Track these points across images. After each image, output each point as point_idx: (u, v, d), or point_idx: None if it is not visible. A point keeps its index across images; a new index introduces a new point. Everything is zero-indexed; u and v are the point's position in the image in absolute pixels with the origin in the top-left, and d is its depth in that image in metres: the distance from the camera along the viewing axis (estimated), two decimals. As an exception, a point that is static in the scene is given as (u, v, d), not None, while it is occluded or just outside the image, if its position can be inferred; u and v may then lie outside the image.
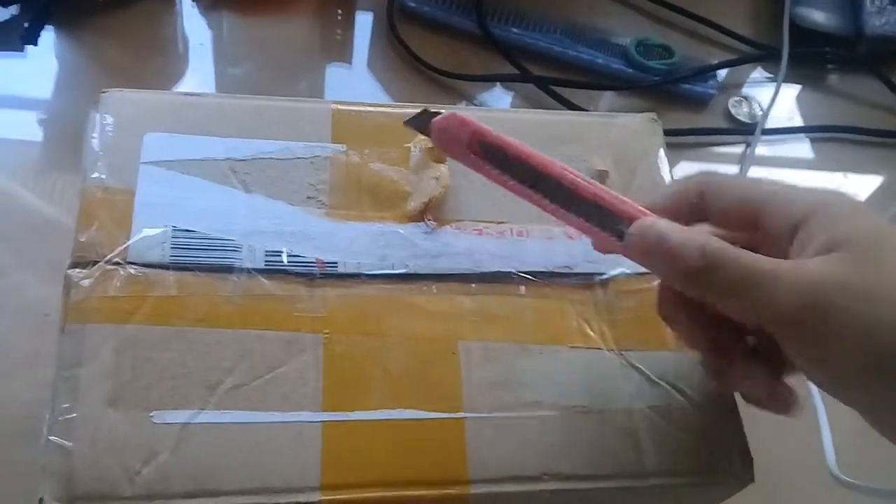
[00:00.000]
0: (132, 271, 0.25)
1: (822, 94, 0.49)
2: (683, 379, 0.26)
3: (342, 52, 0.45)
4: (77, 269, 0.25)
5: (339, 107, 0.30)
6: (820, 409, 0.32)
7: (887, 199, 0.46)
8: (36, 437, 0.23)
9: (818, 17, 0.49)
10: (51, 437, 0.22)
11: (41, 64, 0.41)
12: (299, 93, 0.43)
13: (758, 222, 0.22)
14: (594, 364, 0.26)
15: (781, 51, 0.47)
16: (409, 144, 0.29)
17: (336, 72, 0.44)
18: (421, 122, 0.24)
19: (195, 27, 0.44)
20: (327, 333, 0.25)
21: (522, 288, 0.27)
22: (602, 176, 0.30)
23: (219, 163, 0.28)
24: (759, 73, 0.49)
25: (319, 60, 0.44)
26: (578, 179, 0.23)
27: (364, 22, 0.46)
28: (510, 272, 0.27)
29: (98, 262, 0.25)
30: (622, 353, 0.26)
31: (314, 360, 0.25)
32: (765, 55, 0.49)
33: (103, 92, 0.28)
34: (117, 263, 0.25)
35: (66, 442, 0.22)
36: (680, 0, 0.49)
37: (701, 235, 0.21)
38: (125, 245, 0.25)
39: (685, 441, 0.25)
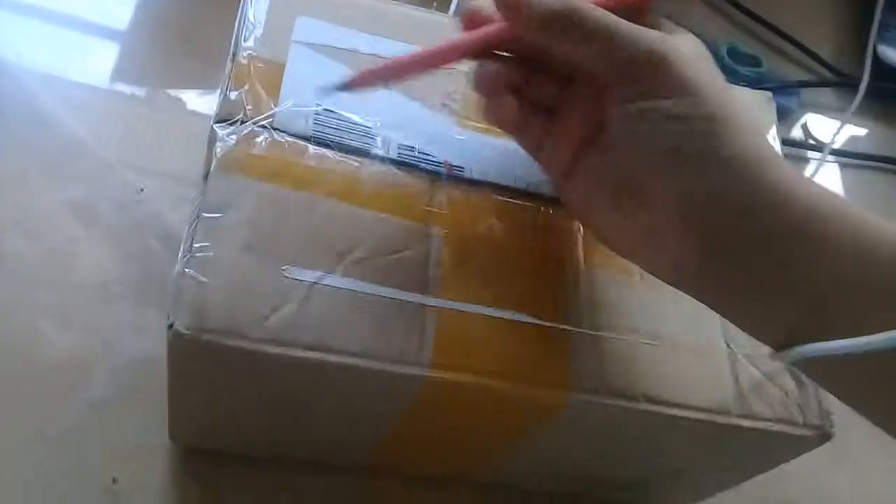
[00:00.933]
0: (277, 136, 0.26)
1: (893, 130, 0.51)
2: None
3: (440, 3, 0.45)
4: (223, 125, 0.26)
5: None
6: None
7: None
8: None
9: (898, 56, 0.51)
10: (187, 270, 0.23)
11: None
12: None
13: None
14: (694, 304, 0.27)
15: (860, 81, 0.49)
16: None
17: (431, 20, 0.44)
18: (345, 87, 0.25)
19: None
20: (448, 229, 0.26)
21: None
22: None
23: (363, 56, 0.29)
24: (836, 98, 0.51)
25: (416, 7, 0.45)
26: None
27: None
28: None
29: (245, 121, 0.26)
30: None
31: (435, 251, 0.26)
32: (844, 82, 0.51)
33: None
34: (263, 126, 0.26)
35: (201, 276, 0.23)
36: (772, 16, 0.51)
37: None
38: (272, 111, 0.26)
39: (773, 391, 0.26)
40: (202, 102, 0.38)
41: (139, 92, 0.38)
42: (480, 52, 0.25)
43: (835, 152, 0.48)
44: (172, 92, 0.39)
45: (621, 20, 0.22)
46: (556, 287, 0.26)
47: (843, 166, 0.49)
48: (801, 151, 0.48)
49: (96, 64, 0.39)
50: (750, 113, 0.24)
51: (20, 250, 0.32)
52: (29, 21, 0.39)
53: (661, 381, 0.25)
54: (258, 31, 0.28)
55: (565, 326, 0.26)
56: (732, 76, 0.47)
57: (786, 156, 0.47)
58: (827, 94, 0.51)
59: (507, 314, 0.25)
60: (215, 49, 0.30)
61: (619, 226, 0.24)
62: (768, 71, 0.48)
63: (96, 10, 0.40)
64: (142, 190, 0.35)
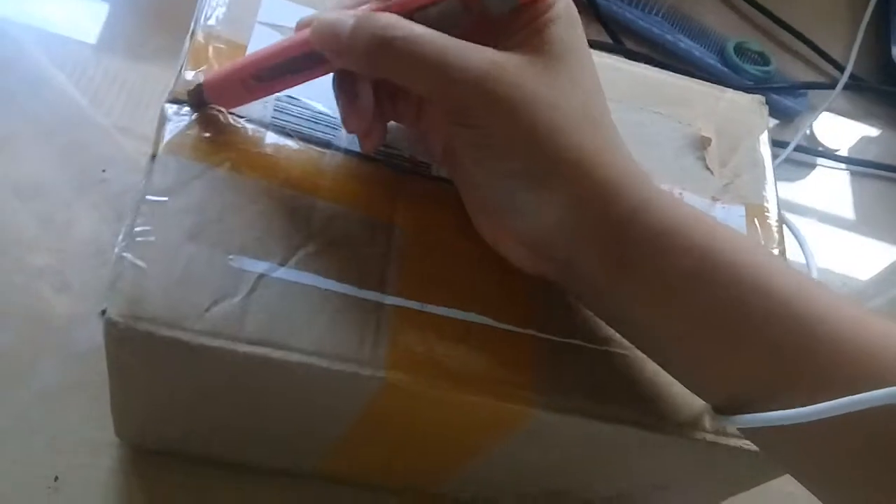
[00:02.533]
0: (233, 121, 0.25)
1: None
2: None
3: None
4: (175, 105, 0.25)
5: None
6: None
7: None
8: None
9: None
10: (125, 254, 0.22)
11: None
12: None
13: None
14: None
15: (874, 84, 0.48)
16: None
17: None
18: (197, 96, 0.24)
19: None
20: (410, 226, 0.25)
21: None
22: (705, 143, 0.30)
23: (332, 39, 0.28)
24: (848, 100, 0.49)
25: None
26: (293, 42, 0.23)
27: None
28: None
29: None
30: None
31: (396, 248, 0.24)
32: (856, 85, 0.49)
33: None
34: (220, 110, 0.25)
35: (139, 261, 0.22)
36: (784, 14, 0.50)
37: (374, 18, 0.21)
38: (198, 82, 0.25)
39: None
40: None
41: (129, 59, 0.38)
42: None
43: (844, 159, 0.47)
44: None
45: (451, 42, 0.21)
46: (523, 290, 0.25)
47: (851, 173, 0.47)
48: (808, 157, 0.46)
49: (90, 27, 0.38)
50: (608, 131, 0.22)
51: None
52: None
53: (633, 395, 0.24)
54: (222, 10, 0.27)
55: (531, 332, 0.24)
56: (739, 74, 0.46)
57: (792, 161, 0.47)
58: (838, 97, 0.49)
59: (469, 316, 0.24)
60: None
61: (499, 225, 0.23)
62: (776, 70, 0.47)
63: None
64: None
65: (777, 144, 0.45)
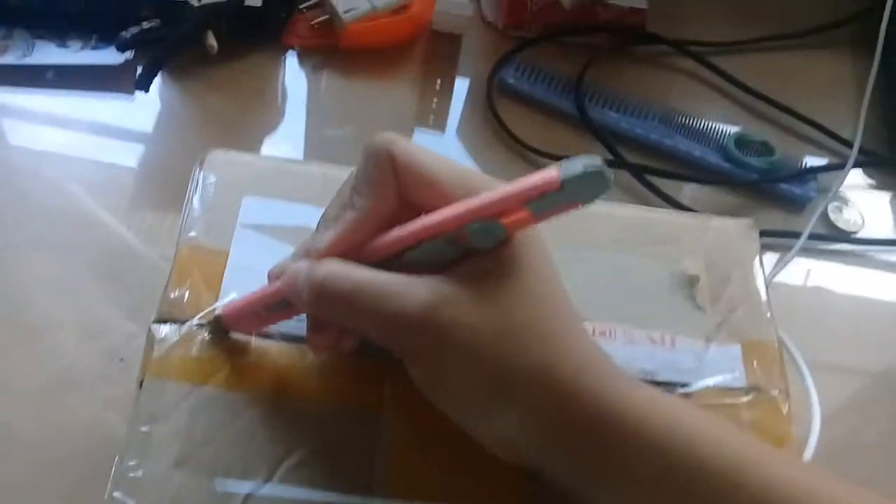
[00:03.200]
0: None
1: None
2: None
3: (436, 120, 0.46)
4: (163, 325, 0.26)
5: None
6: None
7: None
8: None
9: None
10: (115, 494, 0.22)
11: (146, 107, 0.44)
12: None
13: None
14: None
15: (887, 158, 0.45)
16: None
17: (428, 139, 0.46)
18: (216, 327, 0.26)
19: (297, 85, 0.47)
20: (396, 419, 0.25)
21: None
22: (692, 281, 0.29)
23: (311, 232, 0.29)
24: (861, 178, 0.47)
25: (413, 126, 0.46)
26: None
27: (461, 92, 0.47)
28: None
29: (185, 321, 0.26)
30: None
31: (383, 443, 0.24)
32: (868, 161, 0.47)
33: (208, 152, 0.30)
34: (202, 325, 0.26)
35: (129, 500, 0.22)
36: (782, 97, 0.49)
37: (314, 270, 0.22)
38: (212, 307, 0.26)
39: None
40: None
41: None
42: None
43: (864, 240, 0.44)
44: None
45: (393, 285, 0.21)
46: (514, 474, 0.24)
47: (873, 254, 0.44)
48: (824, 244, 0.44)
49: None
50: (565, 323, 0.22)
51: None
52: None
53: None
54: (205, 218, 0.29)
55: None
56: (743, 168, 0.45)
57: (808, 251, 0.44)
58: (850, 176, 0.46)
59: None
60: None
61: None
62: (781, 158, 0.46)
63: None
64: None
65: (789, 235, 0.43)
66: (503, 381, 0.21)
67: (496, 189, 0.21)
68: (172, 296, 0.27)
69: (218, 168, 0.30)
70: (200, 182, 0.29)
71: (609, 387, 0.21)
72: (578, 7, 0.47)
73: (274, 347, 0.26)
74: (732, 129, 0.46)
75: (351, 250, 0.23)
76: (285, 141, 0.44)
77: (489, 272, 0.21)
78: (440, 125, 0.46)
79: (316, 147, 0.44)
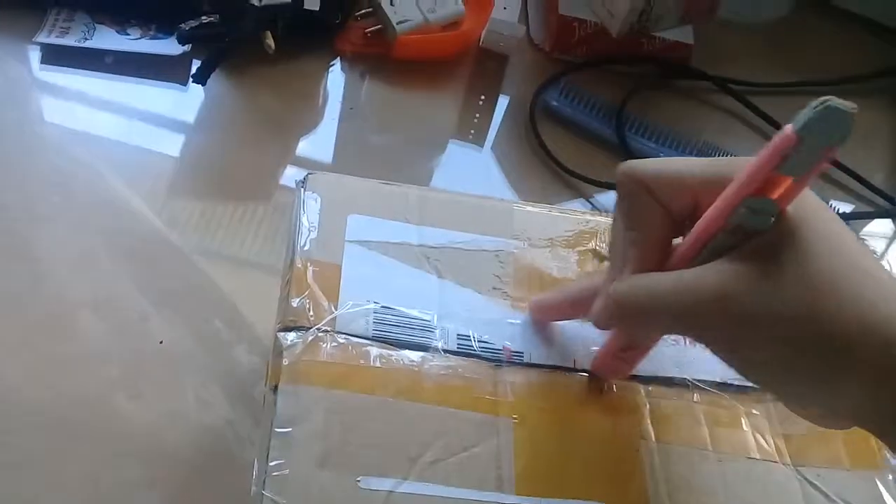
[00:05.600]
0: (340, 340, 0.28)
1: None
2: (858, 497, 0.28)
3: (476, 136, 0.49)
4: (288, 333, 0.28)
5: (520, 206, 0.34)
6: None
7: None
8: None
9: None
10: (265, 492, 0.24)
11: (197, 99, 0.46)
12: (432, 167, 0.48)
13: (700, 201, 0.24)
14: (772, 477, 0.28)
15: None
16: (582, 248, 0.33)
17: (467, 153, 0.48)
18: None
19: (343, 90, 0.49)
20: (516, 418, 0.28)
21: (696, 395, 0.30)
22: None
23: (413, 248, 0.31)
24: (890, 227, 0.50)
25: (450, 139, 0.49)
26: None
27: (502, 111, 0.50)
28: (685, 378, 0.30)
29: (309, 328, 0.28)
30: (798, 468, 0.28)
31: (506, 444, 0.27)
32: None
33: (310, 173, 0.33)
34: (326, 331, 0.28)
35: (279, 498, 0.24)
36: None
37: (623, 281, 0.24)
38: (334, 315, 0.29)
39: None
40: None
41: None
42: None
43: None
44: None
45: (681, 277, 0.23)
46: (631, 469, 0.27)
47: None
48: None
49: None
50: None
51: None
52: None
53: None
54: (313, 234, 0.31)
55: (648, 511, 0.26)
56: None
57: None
58: (882, 225, 0.50)
59: (586, 504, 0.26)
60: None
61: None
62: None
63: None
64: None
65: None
66: (827, 347, 0.21)
67: (744, 169, 0.22)
68: (294, 304, 0.29)
69: (320, 188, 0.32)
70: (305, 201, 0.32)
71: None
72: (625, 37, 0.50)
73: (393, 354, 0.28)
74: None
75: None
76: (332, 143, 0.47)
77: (773, 244, 0.22)
78: (479, 140, 0.49)
79: (353, 153, 0.47)
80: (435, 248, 0.32)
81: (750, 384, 0.29)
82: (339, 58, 0.50)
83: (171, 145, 0.45)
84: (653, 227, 0.24)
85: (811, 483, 0.28)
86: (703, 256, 0.23)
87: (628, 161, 0.25)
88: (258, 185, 0.44)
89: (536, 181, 0.47)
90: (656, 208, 0.24)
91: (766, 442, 0.29)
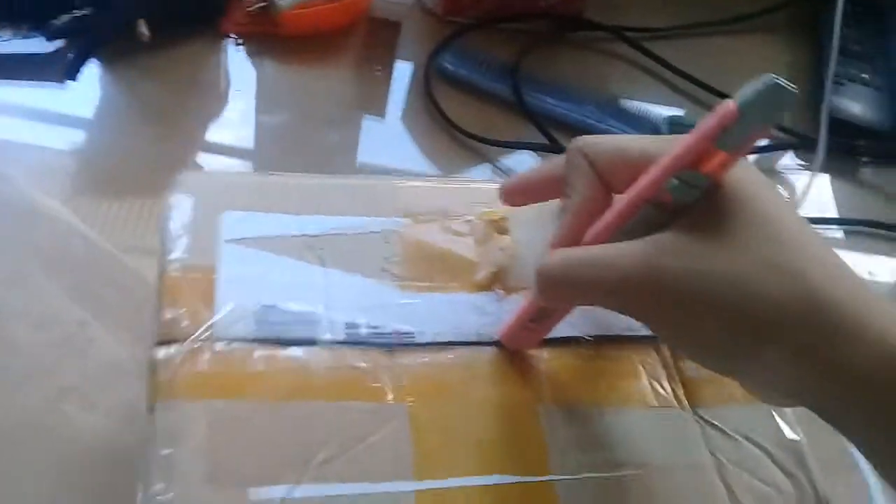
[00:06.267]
0: (219, 347, 0.27)
1: (855, 186, 0.51)
2: (757, 430, 0.28)
3: (377, 107, 0.48)
4: (163, 348, 0.27)
5: (404, 183, 0.33)
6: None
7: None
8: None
9: (856, 109, 0.52)
10: (147, 518, 0.23)
11: (81, 95, 0.45)
12: (333, 143, 0.46)
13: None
14: (670, 422, 0.28)
15: (817, 140, 0.49)
16: (471, 217, 0.32)
17: (369, 125, 0.48)
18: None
19: (235, 72, 0.48)
20: (411, 402, 0.27)
21: (591, 351, 0.29)
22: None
23: (294, 239, 0.30)
24: (791, 160, 0.51)
25: (354, 112, 0.48)
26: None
27: (401, 79, 0.50)
28: (579, 336, 0.30)
29: (184, 340, 0.27)
30: (695, 409, 0.28)
31: (402, 429, 0.26)
32: (799, 143, 0.51)
33: (179, 172, 0.31)
34: (204, 340, 0.27)
35: (164, 523, 0.23)
36: (717, 81, 0.52)
37: (552, 256, 0.24)
38: (210, 322, 0.27)
39: (764, 491, 0.27)
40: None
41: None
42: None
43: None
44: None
45: (605, 251, 0.23)
46: (532, 436, 0.27)
47: None
48: None
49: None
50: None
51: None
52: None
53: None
54: (185, 240, 0.29)
55: (548, 477, 0.26)
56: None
57: None
58: (785, 158, 0.51)
59: (491, 480, 0.26)
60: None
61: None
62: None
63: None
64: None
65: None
66: (758, 321, 0.21)
67: (682, 142, 0.22)
68: (168, 317, 0.27)
69: (190, 187, 0.31)
70: (174, 203, 0.30)
71: (889, 320, 0.20)
72: (516, -7, 0.49)
73: (278, 353, 0.27)
74: (667, 113, 0.51)
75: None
76: (223, 127, 0.45)
77: (705, 218, 0.22)
78: (381, 111, 0.48)
79: (248, 136, 0.45)
80: (317, 236, 0.31)
81: (644, 333, 0.30)
82: (227, 40, 0.48)
83: (63, 142, 0.43)
84: (588, 193, 0.25)
85: (710, 423, 0.28)
86: (628, 227, 0.23)
87: (580, 137, 0.25)
88: (157, 177, 0.42)
89: (439, 146, 0.46)
90: (593, 178, 0.24)
91: (662, 388, 0.29)
